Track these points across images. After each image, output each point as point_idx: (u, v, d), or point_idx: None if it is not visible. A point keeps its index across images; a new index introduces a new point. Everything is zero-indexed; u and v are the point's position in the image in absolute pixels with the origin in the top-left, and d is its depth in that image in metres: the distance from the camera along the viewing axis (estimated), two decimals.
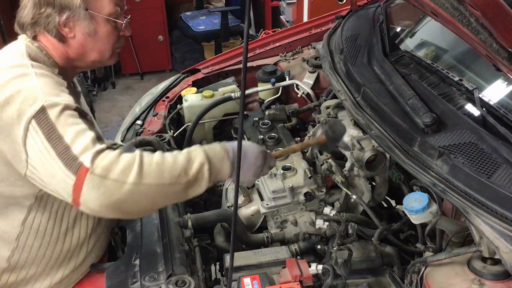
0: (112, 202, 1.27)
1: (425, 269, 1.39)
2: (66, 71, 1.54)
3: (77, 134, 1.30)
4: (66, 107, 1.34)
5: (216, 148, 1.40)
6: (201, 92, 2.39)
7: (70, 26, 1.47)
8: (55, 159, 1.28)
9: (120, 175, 1.26)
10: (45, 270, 1.56)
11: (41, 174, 1.34)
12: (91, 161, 1.25)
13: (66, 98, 1.38)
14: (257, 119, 2.19)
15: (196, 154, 1.36)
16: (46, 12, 1.45)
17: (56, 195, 1.36)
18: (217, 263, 1.74)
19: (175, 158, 1.33)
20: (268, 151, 1.51)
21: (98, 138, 1.33)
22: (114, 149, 1.32)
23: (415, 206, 1.38)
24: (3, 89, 1.36)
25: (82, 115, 1.39)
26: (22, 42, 1.50)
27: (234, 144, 1.42)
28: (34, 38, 1.51)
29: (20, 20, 1.50)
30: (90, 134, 1.31)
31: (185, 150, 1.38)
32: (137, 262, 1.53)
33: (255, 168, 1.44)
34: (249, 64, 2.57)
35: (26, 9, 1.48)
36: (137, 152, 1.32)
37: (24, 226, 1.50)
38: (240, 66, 2.46)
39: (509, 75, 1.36)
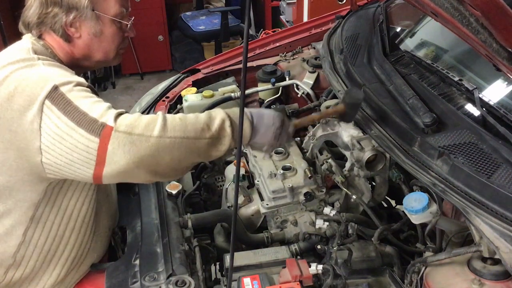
0: (138, 158, 1.31)
1: (425, 269, 1.39)
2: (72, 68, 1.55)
3: (93, 103, 1.35)
4: (78, 84, 1.38)
5: (235, 109, 1.46)
6: (201, 92, 2.38)
7: (76, 26, 1.49)
8: (74, 129, 1.30)
9: (145, 129, 1.31)
10: (50, 266, 1.56)
11: (59, 156, 1.33)
12: (114, 120, 1.30)
13: (77, 78, 1.41)
14: None
15: (216, 112, 1.42)
16: (53, 11, 1.46)
17: (74, 176, 1.37)
18: (217, 263, 1.74)
19: (197, 115, 1.39)
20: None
21: (113, 107, 1.38)
22: None
23: (415, 206, 1.38)
24: (10, 79, 1.37)
25: (95, 92, 1.43)
26: (27, 41, 1.51)
27: (251, 109, 1.48)
28: (39, 37, 1.52)
29: (25, 19, 1.51)
30: (106, 104, 1.37)
31: (205, 112, 1.42)
32: (137, 262, 1.53)
33: (274, 129, 1.46)
34: (249, 64, 2.57)
35: (32, 9, 1.48)
36: (161, 112, 1.38)
37: (32, 221, 1.50)
38: (240, 66, 2.46)
39: (509, 75, 1.36)
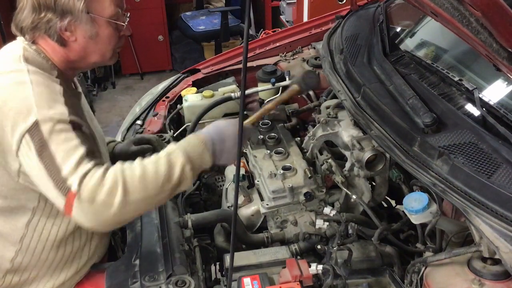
0: (102, 222, 1.33)
1: (425, 269, 1.39)
2: (66, 72, 1.53)
3: (68, 153, 1.32)
4: (59, 121, 1.34)
5: (193, 142, 1.43)
6: (201, 92, 2.38)
7: (71, 29, 1.45)
8: (47, 179, 1.31)
9: (107, 197, 1.30)
10: (48, 272, 1.56)
11: (35, 184, 1.38)
12: (78, 185, 1.29)
13: (60, 110, 1.37)
14: None
15: (176, 156, 1.38)
16: (46, 17, 1.42)
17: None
18: (217, 263, 1.74)
19: (157, 167, 1.35)
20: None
21: (89, 153, 1.35)
22: (103, 163, 1.35)
23: (415, 206, 1.38)
24: (2, 97, 1.35)
25: (75, 126, 1.38)
26: (19, 45, 1.48)
27: (209, 129, 1.47)
28: (33, 41, 1.49)
29: (18, 23, 1.47)
30: (80, 152, 1.33)
31: (163, 153, 1.39)
32: (137, 262, 1.53)
33: (232, 141, 1.45)
34: (249, 64, 2.57)
35: (24, 13, 1.44)
36: (119, 167, 1.34)
37: (28, 228, 1.50)
38: (240, 66, 2.46)
39: (509, 75, 1.36)
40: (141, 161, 1.37)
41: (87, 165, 1.31)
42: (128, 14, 1.58)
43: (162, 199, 1.39)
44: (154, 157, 1.39)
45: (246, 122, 1.60)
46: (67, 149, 1.32)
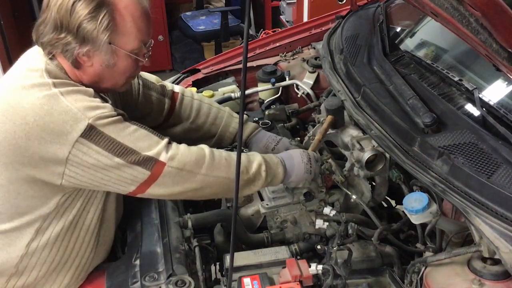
0: (183, 189, 1.45)
1: (425, 269, 1.39)
2: None
3: (136, 137, 1.39)
4: (110, 116, 1.37)
5: (271, 155, 1.61)
6: (201, 92, 2.38)
7: (89, 55, 1.39)
8: (123, 164, 1.36)
9: (195, 166, 1.43)
10: (52, 275, 1.55)
11: (86, 181, 1.40)
12: (167, 155, 1.39)
13: (104, 108, 1.38)
14: (257, 119, 2.19)
15: (254, 156, 1.55)
16: (65, 39, 1.36)
17: (103, 188, 1.45)
18: (217, 263, 1.74)
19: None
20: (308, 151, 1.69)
21: (152, 132, 1.44)
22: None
23: (415, 206, 1.38)
24: (26, 109, 1.33)
25: (125, 117, 1.43)
26: (40, 59, 1.42)
27: (284, 155, 1.64)
28: (52, 56, 1.43)
29: (39, 35, 1.41)
30: (144, 131, 1.42)
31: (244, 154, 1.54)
32: (137, 262, 1.53)
33: (304, 165, 1.63)
34: (249, 64, 2.57)
35: (47, 27, 1.37)
36: (202, 145, 1.49)
37: (38, 233, 1.49)
38: (240, 66, 2.46)
39: (509, 75, 1.36)
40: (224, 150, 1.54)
41: (163, 140, 1.42)
42: (151, 48, 1.51)
43: (233, 187, 1.42)
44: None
45: (310, 152, 1.71)
46: (131, 132, 1.39)
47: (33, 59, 1.45)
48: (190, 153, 1.44)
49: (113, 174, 1.39)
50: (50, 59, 1.42)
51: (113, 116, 1.39)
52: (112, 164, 1.37)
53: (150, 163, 1.38)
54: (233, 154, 1.50)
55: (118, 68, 1.45)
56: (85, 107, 1.35)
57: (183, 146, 1.45)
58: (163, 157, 1.39)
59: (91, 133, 1.34)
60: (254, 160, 1.53)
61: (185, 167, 1.42)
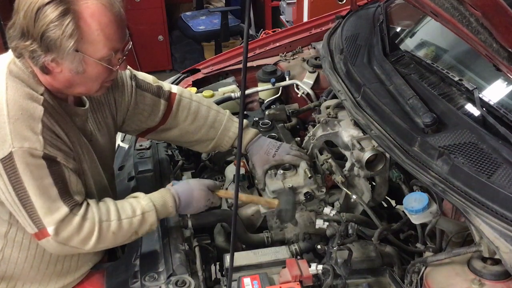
0: (68, 254, 1.54)
1: (425, 269, 1.39)
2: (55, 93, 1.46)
3: (42, 193, 1.36)
4: (33, 156, 1.34)
5: (168, 203, 1.57)
6: (201, 92, 2.38)
7: (57, 62, 1.34)
8: (19, 207, 1.37)
9: (79, 244, 1.44)
10: (43, 281, 1.56)
11: (4, 203, 1.42)
12: (54, 230, 1.38)
13: (34, 143, 1.34)
14: (257, 119, 2.18)
15: (150, 216, 1.53)
16: (31, 47, 1.31)
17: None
18: (217, 263, 1.74)
19: (130, 224, 1.49)
20: (212, 192, 1.68)
21: (63, 194, 1.39)
22: (81, 204, 1.43)
23: (415, 206, 1.38)
24: None
25: (50, 160, 1.37)
26: (5, 60, 1.41)
27: (178, 188, 1.61)
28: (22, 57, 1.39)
29: (8, 38, 1.37)
30: (53, 192, 1.38)
31: (140, 210, 1.51)
32: (137, 262, 1.54)
33: (203, 201, 1.64)
34: (249, 64, 2.57)
35: (15, 32, 1.33)
36: (97, 218, 1.44)
37: (7, 239, 1.50)
38: (240, 66, 2.46)
39: (509, 75, 1.36)
40: (119, 214, 1.48)
41: (62, 209, 1.39)
42: (126, 52, 1.46)
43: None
44: (131, 210, 1.50)
45: (220, 193, 1.71)
46: (41, 186, 1.36)
47: (1, 57, 1.44)
48: (78, 232, 1.41)
49: (13, 210, 1.40)
50: (18, 57, 1.39)
51: (36, 157, 1.34)
52: (13, 202, 1.37)
53: (39, 224, 1.38)
54: (124, 220, 1.48)
55: (89, 75, 1.39)
56: (17, 133, 1.32)
57: (76, 221, 1.40)
58: (50, 229, 1.38)
59: (8, 162, 1.31)
60: (147, 221, 1.52)
61: (69, 243, 1.42)
